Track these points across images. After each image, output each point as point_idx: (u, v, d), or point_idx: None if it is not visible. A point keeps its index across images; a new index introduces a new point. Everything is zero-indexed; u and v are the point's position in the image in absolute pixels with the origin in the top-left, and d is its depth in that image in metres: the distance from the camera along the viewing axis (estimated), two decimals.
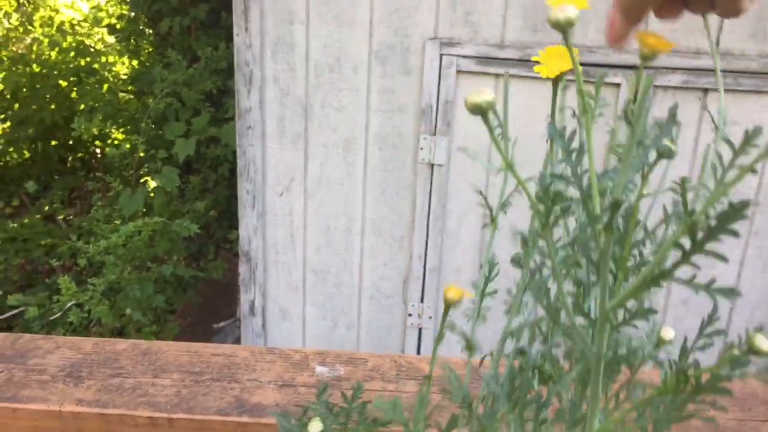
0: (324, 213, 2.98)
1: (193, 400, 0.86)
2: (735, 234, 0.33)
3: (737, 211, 0.32)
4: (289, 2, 2.73)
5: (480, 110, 0.42)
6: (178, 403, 0.85)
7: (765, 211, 2.75)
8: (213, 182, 4.33)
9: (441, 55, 2.69)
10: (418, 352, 3.09)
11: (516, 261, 0.48)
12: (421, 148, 2.80)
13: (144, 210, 3.77)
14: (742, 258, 2.83)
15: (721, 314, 2.88)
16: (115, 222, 3.69)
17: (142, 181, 4.34)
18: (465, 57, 2.69)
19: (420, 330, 3.04)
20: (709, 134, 2.64)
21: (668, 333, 0.53)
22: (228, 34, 4.27)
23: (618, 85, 2.63)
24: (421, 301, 3.00)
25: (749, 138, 0.33)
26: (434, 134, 2.78)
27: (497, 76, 2.70)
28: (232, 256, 4.38)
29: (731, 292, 0.34)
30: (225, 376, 0.91)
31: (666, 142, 0.39)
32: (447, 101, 2.73)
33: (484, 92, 0.42)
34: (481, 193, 0.50)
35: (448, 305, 0.52)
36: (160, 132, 4.05)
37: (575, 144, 0.44)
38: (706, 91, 2.65)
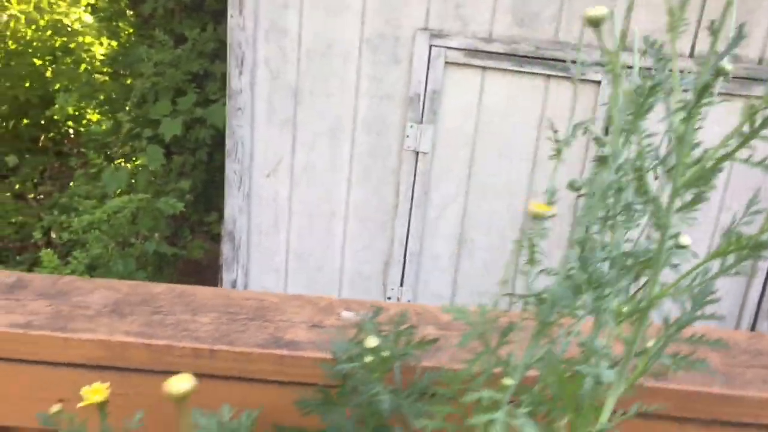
0: (309, 197, 3.04)
1: (233, 335, 0.93)
2: None
3: None
4: None
5: (595, 22, 0.52)
6: (218, 337, 0.92)
7: None
8: (191, 166, 4.35)
9: (430, 46, 2.78)
10: None
11: (571, 186, 0.56)
12: (407, 136, 2.88)
13: (125, 188, 3.77)
14: None
15: None
16: (95, 199, 3.69)
17: (121, 161, 4.33)
18: (453, 49, 2.78)
19: None
20: None
21: (686, 239, 0.62)
22: (213, 17, 4.29)
23: (598, 83, 2.74)
24: (401, 285, 3.08)
25: None
26: (421, 122, 2.86)
27: (484, 68, 2.79)
28: (209, 239, 4.40)
29: None
30: (259, 316, 0.98)
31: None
32: (434, 91, 2.82)
33: (599, 8, 0.51)
34: (552, 126, 0.58)
35: (534, 218, 0.61)
36: (140, 111, 4.06)
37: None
38: None
